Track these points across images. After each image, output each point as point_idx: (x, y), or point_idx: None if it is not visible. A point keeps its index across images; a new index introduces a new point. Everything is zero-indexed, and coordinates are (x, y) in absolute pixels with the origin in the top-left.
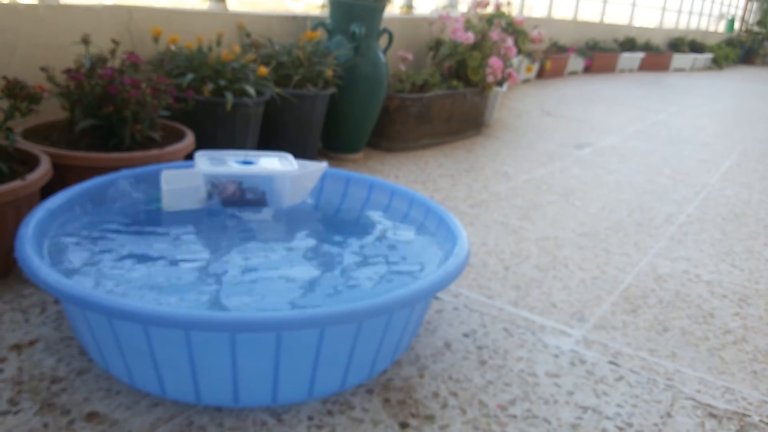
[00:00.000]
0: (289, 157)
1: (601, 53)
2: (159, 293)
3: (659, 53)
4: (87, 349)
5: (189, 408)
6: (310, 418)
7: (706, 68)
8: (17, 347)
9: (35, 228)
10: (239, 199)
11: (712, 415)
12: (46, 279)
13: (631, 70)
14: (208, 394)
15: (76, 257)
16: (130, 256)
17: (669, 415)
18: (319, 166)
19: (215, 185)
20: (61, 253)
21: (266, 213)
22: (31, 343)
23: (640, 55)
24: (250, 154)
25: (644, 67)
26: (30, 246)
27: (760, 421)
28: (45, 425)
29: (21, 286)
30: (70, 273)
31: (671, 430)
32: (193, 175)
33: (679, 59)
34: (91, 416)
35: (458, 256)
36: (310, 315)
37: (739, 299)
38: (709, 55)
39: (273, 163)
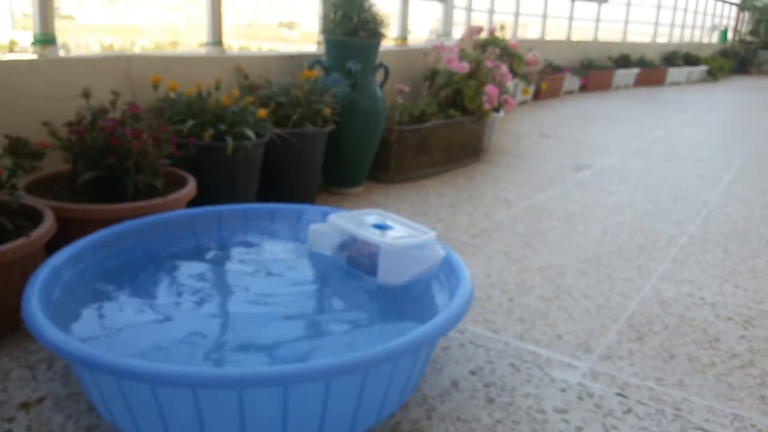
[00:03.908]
0: (427, 234)
1: (596, 71)
2: (166, 351)
3: (654, 68)
4: (95, 404)
5: None
6: None
7: (702, 80)
8: (26, 405)
9: (41, 288)
10: (364, 261)
11: None
12: (53, 341)
13: (626, 87)
14: None
15: (82, 314)
16: (136, 310)
17: None
18: (432, 255)
19: (351, 241)
20: (68, 310)
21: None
22: (40, 400)
23: (635, 71)
24: (400, 222)
25: (640, 82)
26: (36, 307)
27: None
28: None
29: (28, 341)
30: (77, 331)
31: None
32: (333, 224)
33: (675, 73)
34: None
35: (462, 297)
36: (316, 367)
37: (745, 321)
38: (704, 68)
39: (391, 234)
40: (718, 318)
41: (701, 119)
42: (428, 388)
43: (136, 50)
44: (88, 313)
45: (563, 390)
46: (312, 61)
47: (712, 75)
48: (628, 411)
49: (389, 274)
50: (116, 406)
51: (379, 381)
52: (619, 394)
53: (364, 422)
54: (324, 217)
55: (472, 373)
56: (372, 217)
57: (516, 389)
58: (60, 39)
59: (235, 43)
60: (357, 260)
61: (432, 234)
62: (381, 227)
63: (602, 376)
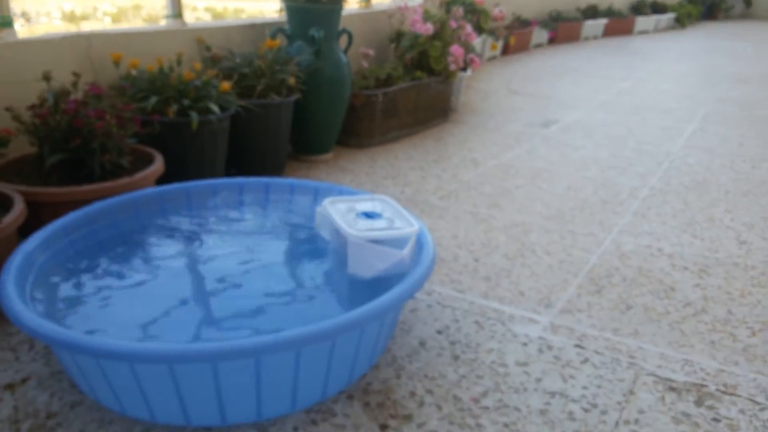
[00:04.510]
0: (409, 228)
1: (564, 23)
2: (143, 328)
3: (622, 17)
4: (77, 382)
5: (180, 430)
6: (296, 429)
7: (670, 28)
8: (11, 387)
9: (16, 274)
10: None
11: (672, 389)
12: (32, 326)
13: (595, 38)
14: (196, 417)
15: (58, 297)
16: (111, 290)
17: (631, 392)
18: (396, 253)
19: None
20: (45, 294)
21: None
22: (24, 380)
23: (603, 22)
24: (394, 211)
25: (608, 32)
26: (13, 292)
27: (717, 390)
28: None
29: (6, 324)
30: (54, 314)
31: (634, 407)
32: (324, 208)
33: (643, 22)
34: None
35: (424, 262)
36: (285, 338)
37: (700, 270)
38: (671, 15)
39: (370, 225)
40: (675, 268)
41: (668, 68)
42: (397, 348)
43: (98, 15)
44: (64, 296)
45: (524, 344)
46: (274, 29)
47: (680, 22)
48: (585, 361)
49: (357, 266)
50: (97, 383)
51: (347, 346)
52: (577, 346)
53: (336, 384)
54: (292, 189)
55: (439, 332)
56: (368, 203)
57: (480, 345)
58: (19, 7)
59: (200, 3)
60: (339, 248)
61: (414, 228)
62: (369, 215)
63: (562, 329)
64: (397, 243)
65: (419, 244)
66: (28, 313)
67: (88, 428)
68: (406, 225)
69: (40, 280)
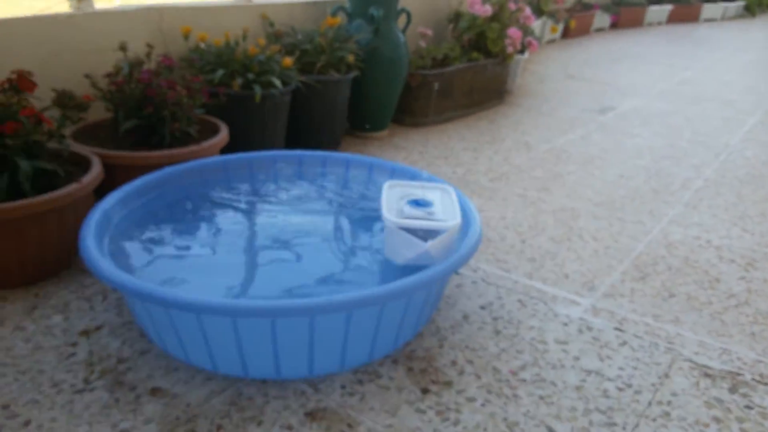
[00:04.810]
0: (450, 222)
1: (627, 8)
2: (207, 284)
3: (688, 4)
4: (146, 332)
5: (238, 381)
6: (343, 387)
7: (738, 16)
8: (86, 333)
9: (95, 229)
10: None
11: (707, 375)
12: (110, 277)
13: (659, 24)
14: (254, 369)
15: (132, 252)
16: (179, 248)
17: (667, 375)
18: (421, 244)
19: None
20: (120, 248)
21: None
22: (98, 328)
23: (668, 8)
24: (447, 203)
25: (673, 19)
26: (92, 246)
27: (752, 379)
28: (117, 400)
29: (82, 276)
30: (129, 266)
31: (668, 390)
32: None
33: (709, 9)
34: (155, 391)
35: (470, 240)
36: (337, 300)
37: (747, 263)
38: (741, 2)
39: (416, 212)
40: (722, 260)
41: (732, 59)
42: (441, 320)
43: None
44: (138, 251)
45: (565, 324)
46: (335, 7)
47: (750, 11)
48: (624, 344)
49: (390, 251)
50: (165, 332)
51: (394, 313)
52: (616, 329)
53: (382, 349)
54: (347, 163)
55: (482, 307)
56: (425, 191)
57: (521, 322)
58: None
59: None
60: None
61: (454, 222)
62: (419, 203)
63: (603, 312)
64: (434, 234)
65: (466, 223)
66: (106, 265)
67: (156, 374)
68: (450, 218)
69: (116, 236)
